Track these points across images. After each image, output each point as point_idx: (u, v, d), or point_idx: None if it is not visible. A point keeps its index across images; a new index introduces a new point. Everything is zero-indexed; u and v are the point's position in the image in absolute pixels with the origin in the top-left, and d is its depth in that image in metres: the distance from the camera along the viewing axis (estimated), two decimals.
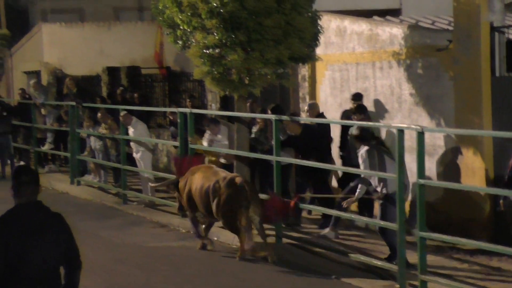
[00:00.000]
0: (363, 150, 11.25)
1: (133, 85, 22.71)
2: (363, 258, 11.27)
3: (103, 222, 15.17)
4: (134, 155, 16.85)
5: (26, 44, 30.09)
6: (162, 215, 15.40)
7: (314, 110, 14.31)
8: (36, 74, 28.17)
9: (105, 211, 16.36)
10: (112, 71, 23.72)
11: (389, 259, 11.10)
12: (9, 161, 21.43)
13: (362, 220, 12.49)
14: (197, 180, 12.34)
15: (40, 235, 5.88)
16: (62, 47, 28.08)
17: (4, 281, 5.84)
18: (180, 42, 13.52)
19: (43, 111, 22.00)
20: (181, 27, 13.07)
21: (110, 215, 15.86)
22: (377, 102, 14.34)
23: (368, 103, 14.12)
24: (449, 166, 12.92)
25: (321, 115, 14.31)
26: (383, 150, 11.29)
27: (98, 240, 13.61)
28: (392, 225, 10.79)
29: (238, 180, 11.88)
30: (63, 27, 28.72)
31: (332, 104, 15.54)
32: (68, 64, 27.51)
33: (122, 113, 16.64)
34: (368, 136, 11.37)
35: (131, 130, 16.65)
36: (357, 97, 14.00)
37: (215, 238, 13.43)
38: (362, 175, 11.60)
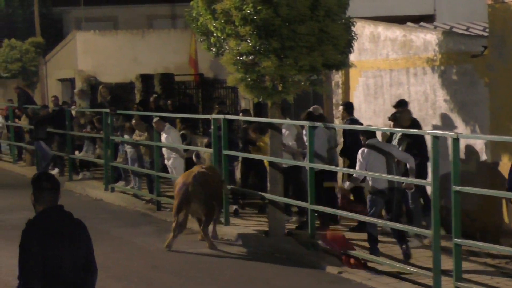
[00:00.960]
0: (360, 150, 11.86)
1: (166, 92, 22.83)
2: (397, 265, 11.23)
3: (137, 228, 15.27)
4: (166, 162, 16.94)
5: (60, 52, 30.38)
6: (195, 222, 15.43)
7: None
8: (70, 81, 28.43)
9: (139, 218, 16.46)
10: (146, 79, 23.88)
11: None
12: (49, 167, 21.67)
13: (393, 226, 12.43)
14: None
15: (65, 240, 6.00)
16: (96, 55, 28.32)
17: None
18: (213, 49, 13.59)
19: (82, 120, 22.17)
20: (215, 34, 13.13)
21: (144, 222, 15.96)
22: (411, 109, 14.30)
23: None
24: (484, 173, 12.85)
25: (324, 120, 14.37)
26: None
27: (133, 247, 13.70)
28: (427, 232, 10.78)
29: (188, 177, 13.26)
30: (97, 35, 28.96)
31: (366, 110, 15.53)
32: (102, 71, 27.73)
33: (155, 119, 16.76)
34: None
35: (163, 136, 16.74)
36: (399, 104, 13.82)
37: (248, 244, 13.48)
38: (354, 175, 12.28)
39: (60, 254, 5.93)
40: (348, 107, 14.66)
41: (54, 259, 5.91)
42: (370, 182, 12.02)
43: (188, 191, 13.21)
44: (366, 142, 11.95)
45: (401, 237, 11.75)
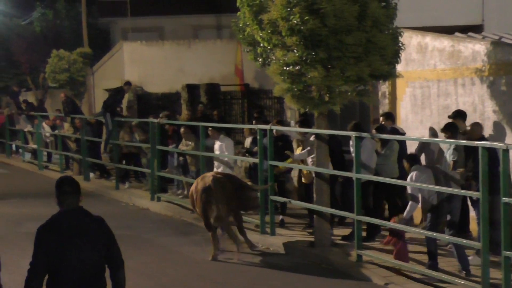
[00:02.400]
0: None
1: (212, 102, 22.92)
2: (445, 277, 11.13)
3: (183, 238, 15.32)
4: (215, 170, 16.99)
5: (107, 62, 30.67)
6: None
7: None
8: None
9: (185, 227, 16.52)
10: (192, 89, 24.00)
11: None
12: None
13: (444, 238, 12.29)
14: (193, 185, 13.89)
15: (80, 237, 6.35)
16: (142, 65, 28.55)
17: (48, 284, 6.38)
18: (260, 60, 13.62)
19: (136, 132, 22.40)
20: (261, 45, 13.16)
21: (190, 232, 16.00)
22: (458, 120, 14.18)
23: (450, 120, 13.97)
24: None
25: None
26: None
27: (179, 256, 13.75)
28: (476, 244, 10.67)
29: (206, 180, 13.31)
30: (144, 45, 29.19)
31: (413, 121, 15.43)
32: (148, 81, 27.95)
33: (210, 128, 16.87)
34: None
35: (217, 144, 16.78)
36: (456, 114, 13.54)
37: (293, 254, 13.47)
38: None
39: (70, 254, 6.29)
40: (388, 116, 14.68)
41: (61, 259, 6.27)
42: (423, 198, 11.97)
43: (210, 191, 13.19)
44: (412, 168, 11.89)
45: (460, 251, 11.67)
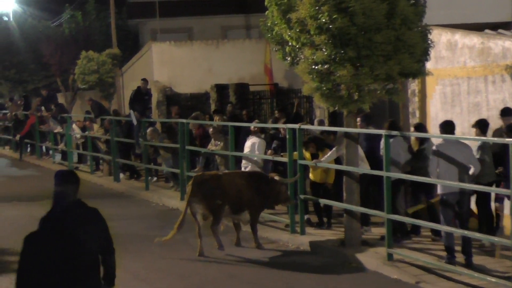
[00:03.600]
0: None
1: (241, 102, 23.00)
2: (476, 275, 11.11)
3: (213, 238, 15.32)
4: (243, 169, 17.05)
5: (136, 63, 30.85)
6: (271, 231, 15.52)
7: None
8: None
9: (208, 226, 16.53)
10: (221, 89, 24.09)
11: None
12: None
13: (486, 238, 12.24)
14: None
15: (79, 228, 6.77)
16: (171, 66, 28.68)
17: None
18: (288, 59, 13.67)
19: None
20: (290, 44, 13.21)
21: (221, 231, 16.03)
22: (489, 117, 14.14)
23: (481, 117, 13.93)
24: None
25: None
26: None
27: (210, 256, 13.80)
28: (507, 241, 10.65)
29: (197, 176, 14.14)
30: (173, 46, 29.34)
31: (443, 119, 15.38)
32: (177, 82, 28.09)
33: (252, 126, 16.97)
34: None
35: (250, 141, 16.82)
36: (504, 112, 13.37)
37: (326, 253, 13.50)
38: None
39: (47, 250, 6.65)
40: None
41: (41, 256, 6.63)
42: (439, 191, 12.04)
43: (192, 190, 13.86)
44: (434, 148, 11.95)
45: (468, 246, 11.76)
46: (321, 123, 17.20)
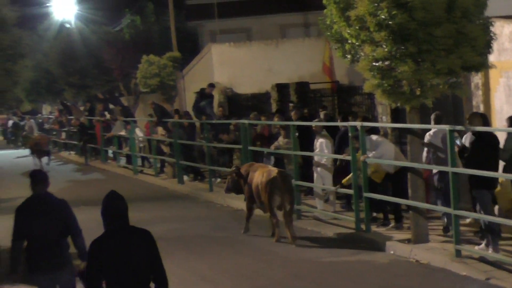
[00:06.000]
0: None
1: (302, 101, 22.93)
2: None
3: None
4: (314, 168, 16.98)
5: (196, 65, 31.00)
6: (336, 229, 15.45)
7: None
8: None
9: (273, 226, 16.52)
10: (281, 88, 24.06)
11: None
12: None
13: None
14: (256, 177, 15.18)
15: (45, 215, 8.69)
16: (231, 67, 28.76)
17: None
18: (348, 56, 13.59)
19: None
20: (350, 41, 13.12)
21: (285, 231, 16.01)
22: None
23: None
24: None
25: None
26: None
27: (274, 256, 13.79)
28: None
29: (273, 172, 14.80)
30: (232, 47, 29.41)
31: (508, 112, 15.11)
32: (238, 82, 28.15)
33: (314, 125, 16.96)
34: None
35: (319, 141, 16.76)
36: None
37: (391, 252, 13.38)
38: None
39: (33, 228, 8.68)
40: None
41: (30, 229, 8.70)
42: None
43: (276, 182, 14.67)
44: None
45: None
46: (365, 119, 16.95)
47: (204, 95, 23.25)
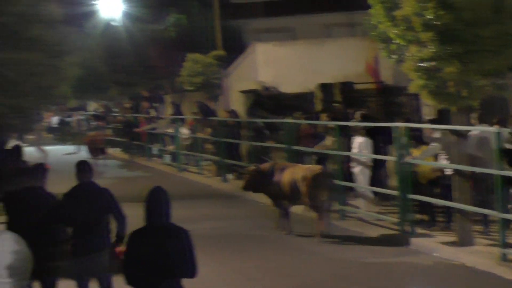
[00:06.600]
0: None
1: (346, 101, 22.86)
2: None
3: (321, 238, 15.26)
4: (353, 169, 16.92)
5: (241, 64, 31.04)
6: (380, 230, 15.37)
7: None
8: (252, 93, 28.94)
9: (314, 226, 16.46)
10: (326, 87, 24.00)
11: None
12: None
13: None
14: (291, 174, 15.33)
15: (90, 202, 9.22)
16: (275, 66, 28.75)
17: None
18: (394, 56, 13.53)
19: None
20: (395, 41, 13.05)
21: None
22: None
23: None
24: None
25: None
26: None
27: (317, 256, 13.75)
28: None
29: (316, 169, 15.25)
30: (276, 46, 29.40)
31: None
32: (282, 82, 28.11)
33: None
34: None
35: (359, 140, 16.70)
36: None
37: (436, 254, 13.27)
38: None
39: (79, 211, 9.18)
40: None
41: (74, 214, 9.19)
42: None
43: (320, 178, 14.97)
44: None
45: None
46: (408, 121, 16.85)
47: (259, 98, 23.28)
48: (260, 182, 16.03)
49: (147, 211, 7.12)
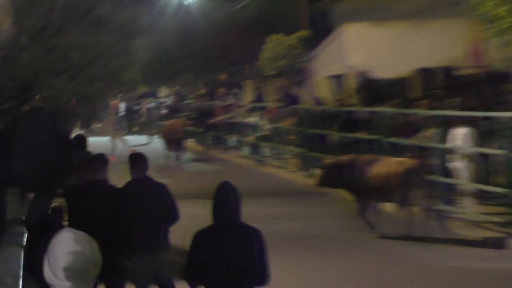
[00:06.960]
0: None
1: (447, 87, 22.64)
2: None
3: (412, 241, 15.11)
4: (455, 164, 16.77)
5: (329, 46, 30.96)
6: (483, 232, 15.20)
7: None
8: (339, 78, 28.89)
9: (415, 227, 16.30)
10: (424, 73, 23.78)
11: None
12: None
13: None
14: (379, 168, 15.39)
15: (144, 199, 9.19)
16: (367, 49, 28.58)
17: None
18: (503, 37, 13.32)
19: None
20: (505, 20, 12.87)
21: (414, 231, 15.75)
22: None
23: None
24: None
25: None
26: None
27: (409, 260, 13.63)
28: None
29: (409, 163, 15.35)
30: (368, 27, 29.21)
31: None
32: (374, 66, 27.95)
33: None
34: None
35: (461, 134, 16.54)
36: None
37: None
38: None
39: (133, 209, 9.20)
40: None
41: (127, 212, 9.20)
42: None
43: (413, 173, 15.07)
44: None
45: None
46: None
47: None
48: (339, 177, 15.94)
49: (214, 209, 7.10)
